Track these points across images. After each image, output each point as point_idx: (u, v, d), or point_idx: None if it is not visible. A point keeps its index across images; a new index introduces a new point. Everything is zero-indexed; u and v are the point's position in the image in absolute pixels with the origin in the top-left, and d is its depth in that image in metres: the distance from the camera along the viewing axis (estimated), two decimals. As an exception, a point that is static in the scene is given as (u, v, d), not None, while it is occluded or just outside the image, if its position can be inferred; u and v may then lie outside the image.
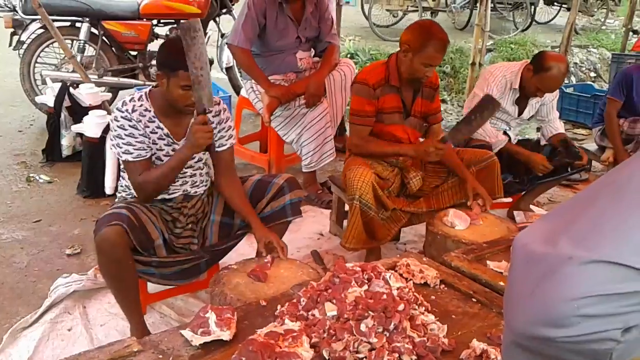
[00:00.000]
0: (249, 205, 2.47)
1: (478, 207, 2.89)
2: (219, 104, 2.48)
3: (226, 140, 2.50)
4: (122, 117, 2.26)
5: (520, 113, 3.59)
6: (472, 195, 2.92)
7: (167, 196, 2.42)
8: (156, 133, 2.32)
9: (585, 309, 0.54)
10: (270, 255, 2.30)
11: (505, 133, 3.59)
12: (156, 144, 2.33)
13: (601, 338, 0.55)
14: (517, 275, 0.60)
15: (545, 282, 0.56)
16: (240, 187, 2.52)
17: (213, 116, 2.44)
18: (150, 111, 2.31)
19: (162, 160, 2.35)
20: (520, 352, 0.60)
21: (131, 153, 2.26)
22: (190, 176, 2.45)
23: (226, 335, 1.59)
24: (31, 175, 4.08)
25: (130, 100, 2.30)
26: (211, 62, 2.40)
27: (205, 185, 2.53)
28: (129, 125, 2.26)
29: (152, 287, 2.56)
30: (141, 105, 2.30)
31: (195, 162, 2.45)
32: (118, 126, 2.26)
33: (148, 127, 2.30)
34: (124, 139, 2.26)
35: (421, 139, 3.07)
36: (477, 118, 2.76)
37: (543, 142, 3.74)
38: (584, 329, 0.55)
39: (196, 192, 2.49)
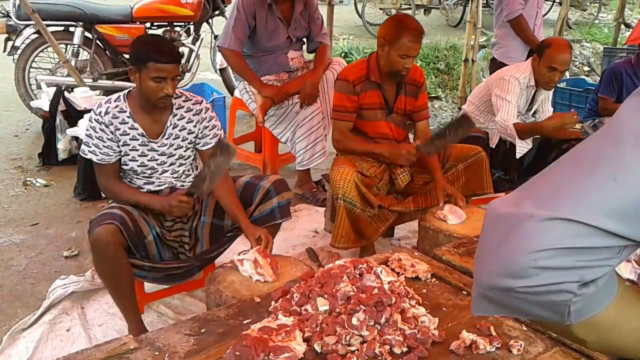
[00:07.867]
0: (239, 203, 2.48)
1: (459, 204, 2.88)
2: (200, 102, 2.51)
3: (210, 139, 2.53)
4: (94, 119, 2.35)
5: (529, 109, 3.60)
6: (442, 196, 2.88)
7: (153, 188, 2.48)
8: (128, 134, 2.38)
9: (542, 262, 0.59)
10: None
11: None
12: (128, 144, 2.39)
13: (558, 289, 0.61)
14: (486, 234, 0.66)
15: (508, 237, 0.62)
16: (231, 184, 2.53)
17: (194, 114, 2.48)
18: (125, 112, 2.37)
19: (136, 160, 2.41)
20: (486, 304, 0.66)
21: (97, 155, 2.38)
22: (173, 168, 2.49)
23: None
24: (28, 179, 4.10)
25: (105, 102, 2.38)
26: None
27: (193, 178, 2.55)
28: (99, 129, 2.35)
29: (149, 287, 2.60)
30: (116, 107, 2.37)
31: (176, 159, 2.48)
32: (90, 126, 2.37)
33: (119, 129, 2.36)
34: (93, 139, 2.36)
35: (411, 136, 3.08)
36: (451, 134, 2.84)
37: None
38: (541, 280, 0.60)
39: (182, 185, 2.53)
